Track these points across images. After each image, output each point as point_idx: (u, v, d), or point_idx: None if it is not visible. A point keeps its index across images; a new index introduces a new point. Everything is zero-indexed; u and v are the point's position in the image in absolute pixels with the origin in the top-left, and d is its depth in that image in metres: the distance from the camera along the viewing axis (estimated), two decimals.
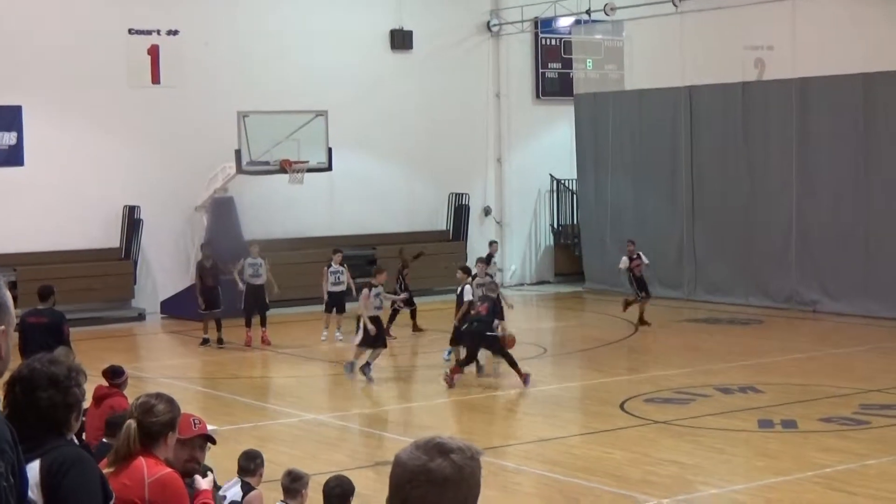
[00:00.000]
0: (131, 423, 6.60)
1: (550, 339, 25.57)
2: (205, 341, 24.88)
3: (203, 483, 7.00)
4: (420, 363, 22.58)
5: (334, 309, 25.22)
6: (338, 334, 25.29)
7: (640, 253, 26.79)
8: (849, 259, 27.60)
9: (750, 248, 29.47)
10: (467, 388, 20.31)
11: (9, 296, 3.62)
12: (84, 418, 12.64)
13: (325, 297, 25.30)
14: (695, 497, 13.17)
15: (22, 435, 4.62)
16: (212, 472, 9.25)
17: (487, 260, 25.93)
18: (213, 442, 7.27)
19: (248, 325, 24.71)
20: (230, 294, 25.23)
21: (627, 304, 26.85)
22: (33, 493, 4.66)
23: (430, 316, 27.09)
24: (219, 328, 24.81)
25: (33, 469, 4.72)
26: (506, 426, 17.60)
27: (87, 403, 13.28)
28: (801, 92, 28.59)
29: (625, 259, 26.71)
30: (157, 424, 6.58)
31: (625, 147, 32.87)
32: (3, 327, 3.58)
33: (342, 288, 25.28)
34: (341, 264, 25.45)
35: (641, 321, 26.40)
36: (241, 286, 24.85)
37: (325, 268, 25.51)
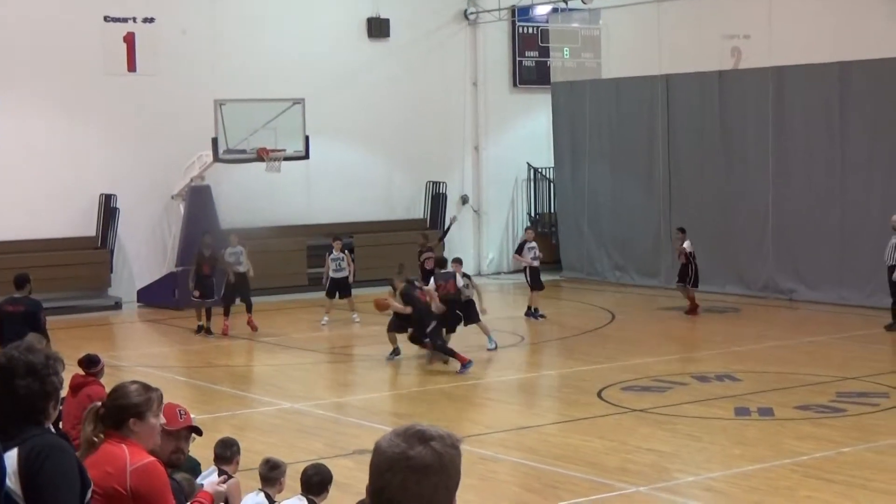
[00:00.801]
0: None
1: (528, 328, 25.58)
2: (200, 328, 24.82)
3: (210, 485, 6.98)
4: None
5: (336, 294, 25.99)
6: (354, 316, 25.89)
7: (686, 242, 26.69)
8: (825, 248, 27.68)
9: (727, 236, 29.54)
10: (442, 376, 20.31)
11: None
12: (61, 407, 12.64)
13: (327, 283, 26.18)
14: (672, 485, 13.21)
15: None
16: (228, 476, 9.26)
17: (519, 250, 27.38)
18: (200, 433, 7.26)
19: (227, 314, 24.70)
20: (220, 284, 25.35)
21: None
22: (11, 481, 4.65)
23: None
24: (208, 318, 24.78)
25: (11, 458, 4.71)
26: (483, 415, 17.62)
27: (64, 392, 13.26)
28: (777, 80, 28.65)
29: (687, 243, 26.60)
30: (118, 408, 6.53)
31: (602, 135, 32.90)
32: None
33: (344, 274, 26.13)
34: (342, 251, 26.33)
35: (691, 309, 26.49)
36: (233, 279, 24.86)
37: (327, 254, 26.39)
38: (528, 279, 26.72)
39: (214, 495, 6.90)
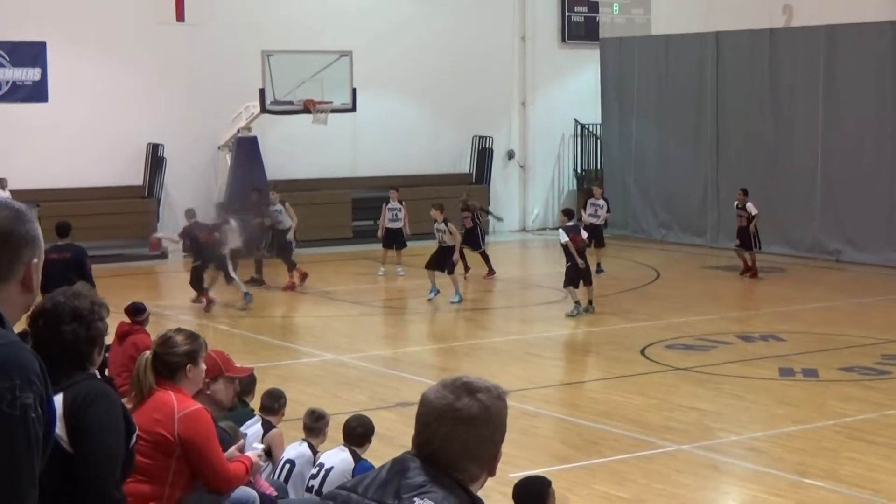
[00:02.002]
0: (145, 354, 6.64)
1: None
2: (253, 280, 24.86)
3: (252, 453, 7.02)
4: (439, 306, 22.56)
5: (394, 245, 26.05)
6: (399, 270, 25.86)
7: (748, 204, 25.66)
8: (873, 209, 27.45)
9: (774, 196, 29.30)
10: (487, 330, 20.33)
11: (39, 230, 3.63)
12: (107, 354, 12.74)
13: (382, 233, 26.30)
14: (715, 443, 13.17)
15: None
16: (271, 426, 9.32)
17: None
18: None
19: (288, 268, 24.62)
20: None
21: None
22: (57, 426, 4.68)
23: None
24: (258, 269, 24.86)
25: (56, 402, 4.74)
26: (526, 370, 17.60)
27: (109, 339, 13.37)
28: (828, 39, 28.33)
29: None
30: (175, 356, 6.63)
31: (650, 92, 32.68)
32: (35, 260, 3.58)
33: (399, 224, 26.10)
34: (399, 201, 26.22)
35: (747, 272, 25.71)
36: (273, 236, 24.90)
37: (384, 204, 26.42)
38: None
39: (254, 466, 6.94)
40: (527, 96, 35.39)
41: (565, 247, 21.29)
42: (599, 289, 24.65)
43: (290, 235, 24.62)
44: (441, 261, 22.68)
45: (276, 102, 28.74)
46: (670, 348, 18.38)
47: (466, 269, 25.41)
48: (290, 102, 28.81)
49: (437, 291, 22.62)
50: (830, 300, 22.90)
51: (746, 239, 25.66)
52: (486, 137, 34.36)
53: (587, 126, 35.71)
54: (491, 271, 25.70)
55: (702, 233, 31.09)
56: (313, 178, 31.53)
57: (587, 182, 35.75)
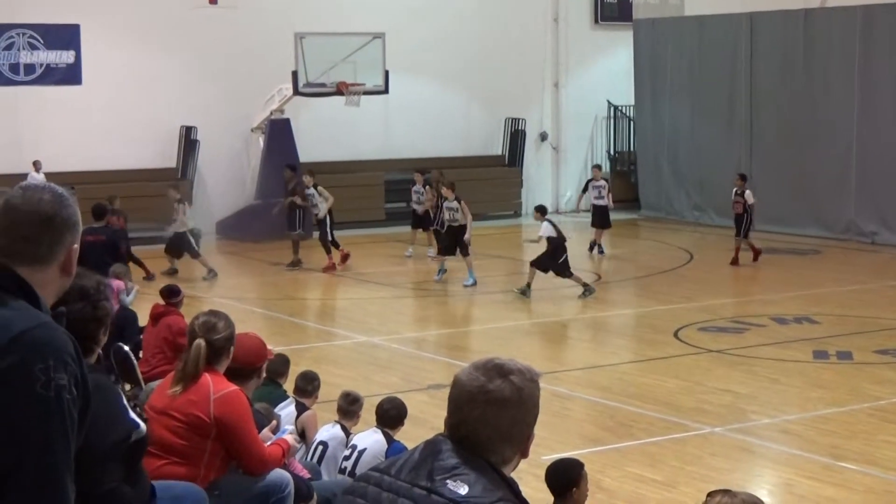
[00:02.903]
0: (201, 342, 6.67)
1: (605, 266, 25.48)
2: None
3: (289, 436, 7.05)
4: (472, 288, 22.56)
5: (421, 227, 26.35)
6: (430, 251, 25.92)
7: (747, 192, 24.88)
8: None
9: (808, 177, 29.17)
10: (519, 312, 20.32)
11: (79, 214, 3.66)
12: (141, 337, 12.81)
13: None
14: (748, 426, 13.13)
15: None
16: (305, 408, 9.35)
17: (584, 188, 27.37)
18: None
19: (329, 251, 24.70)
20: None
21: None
22: None
23: (483, 240, 27.06)
24: (295, 250, 24.93)
25: None
26: (558, 352, 17.59)
27: (143, 322, 13.42)
28: (864, 19, 28.13)
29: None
30: (221, 340, 6.70)
31: (683, 73, 32.54)
32: (75, 245, 3.62)
33: (424, 207, 26.06)
34: (424, 185, 26.19)
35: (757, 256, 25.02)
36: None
37: (411, 186, 26.71)
38: (593, 217, 26.83)
39: (291, 449, 6.97)
40: (559, 78, 35.30)
41: (550, 239, 21.14)
42: (629, 270, 24.61)
43: (321, 215, 24.61)
44: (452, 244, 22.65)
45: (308, 85, 28.77)
46: (704, 331, 18.32)
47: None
48: (323, 85, 28.84)
49: (445, 271, 22.92)
50: (865, 282, 22.77)
51: (739, 225, 24.78)
52: (518, 119, 34.30)
53: (620, 108, 35.60)
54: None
55: None
56: (345, 160, 31.57)
57: (620, 164, 35.71)
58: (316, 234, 25.41)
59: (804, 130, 29.34)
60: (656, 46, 33.32)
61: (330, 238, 24.55)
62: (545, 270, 21.11)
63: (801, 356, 16.46)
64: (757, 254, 25.04)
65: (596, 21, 35.81)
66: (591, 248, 26.56)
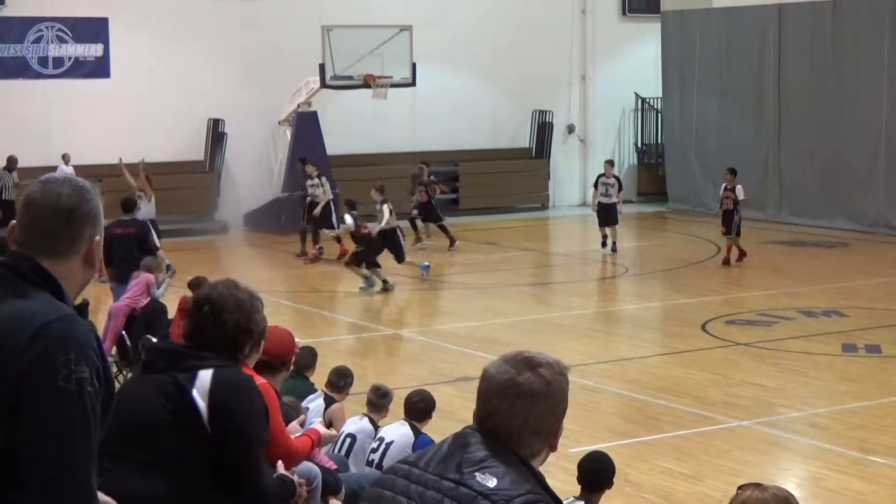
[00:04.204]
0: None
1: (632, 259, 25.42)
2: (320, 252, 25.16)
3: (319, 426, 7.07)
4: (498, 280, 22.56)
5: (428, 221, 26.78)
6: (429, 241, 26.33)
7: (738, 186, 23.67)
8: None
9: (837, 170, 29.04)
10: (547, 305, 20.29)
11: (101, 207, 3.68)
12: (170, 329, 12.84)
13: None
14: (776, 419, 13.09)
15: (200, 351, 4.91)
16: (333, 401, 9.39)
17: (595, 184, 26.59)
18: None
19: (313, 240, 25.03)
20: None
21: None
22: (200, 404, 4.80)
23: (511, 233, 27.06)
24: (315, 241, 25.04)
25: (205, 377, 4.85)
26: (585, 345, 17.57)
27: (172, 313, 13.45)
28: (894, 10, 27.97)
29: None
30: (263, 331, 6.70)
31: (711, 66, 32.42)
32: (97, 238, 3.63)
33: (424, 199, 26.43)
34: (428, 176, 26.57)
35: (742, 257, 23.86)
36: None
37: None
38: (598, 213, 25.68)
39: (322, 440, 6.98)
40: (587, 70, 35.23)
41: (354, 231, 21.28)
42: (657, 263, 24.55)
43: (316, 211, 24.70)
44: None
45: (335, 77, 28.79)
46: (731, 323, 18.27)
47: (418, 239, 26.25)
48: (350, 77, 28.85)
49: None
50: (893, 275, 22.65)
51: (729, 223, 23.40)
52: (545, 111, 34.26)
53: (648, 100, 35.51)
54: (452, 241, 26.09)
55: (763, 207, 30.83)
56: (373, 153, 31.59)
57: (647, 156, 35.63)
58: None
59: (833, 123, 29.19)
60: (684, 38, 33.21)
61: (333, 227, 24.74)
62: (363, 264, 21.17)
63: (830, 349, 16.39)
64: (742, 254, 23.66)
65: (624, 13, 35.73)
66: (603, 245, 25.53)
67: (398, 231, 22.04)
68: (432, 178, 26.99)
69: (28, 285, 3.50)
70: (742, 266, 23.55)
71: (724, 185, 24.19)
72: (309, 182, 25.19)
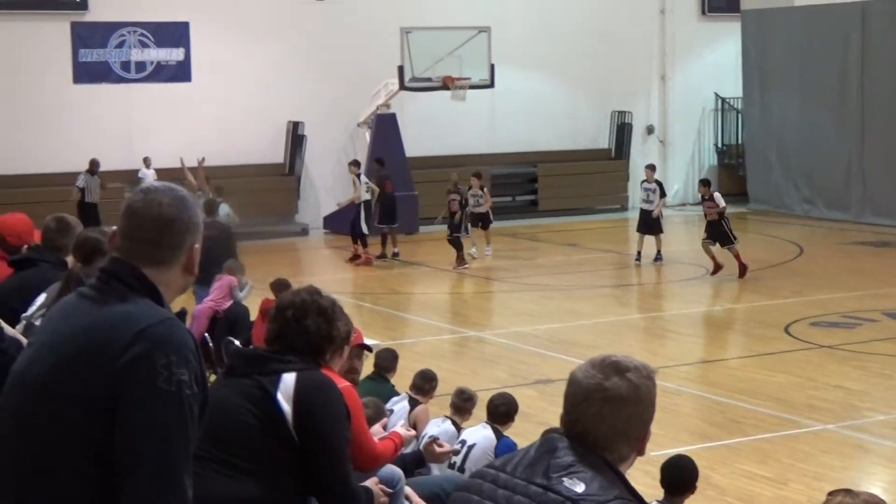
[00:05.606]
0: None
1: (720, 259, 25.18)
2: (381, 255, 25.25)
3: (401, 428, 7.08)
4: (578, 282, 22.48)
5: (479, 225, 25.48)
6: (487, 250, 25.59)
7: (715, 194, 22.44)
8: None
9: None
10: (626, 307, 20.20)
11: (201, 215, 3.75)
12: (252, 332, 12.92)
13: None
14: (862, 423, 12.92)
15: (283, 355, 5.01)
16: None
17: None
18: (370, 350, 7.63)
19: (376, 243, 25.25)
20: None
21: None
22: (285, 407, 4.89)
23: (590, 234, 26.96)
24: (383, 243, 25.17)
25: (289, 379, 4.94)
26: (666, 347, 17.46)
27: (254, 316, 13.53)
28: None
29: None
30: (349, 334, 6.76)
31: (793, 65, 32.10)
32: (197, 245, 3.70)
33: (482, 209, 25.23)
34: (480, 188, 25.39)
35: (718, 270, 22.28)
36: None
37: (467, 189, 25.41)
38: (638, 221, 24.67)
39: (406, 439, 6.98)
40: (666, 70, 35.03)
41: None
42: (690, 269, 24.32)
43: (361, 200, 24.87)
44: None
45: (414, 79, 28.85)
46: (815, 325, 18.08)
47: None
48: (429, 79, 28.90)
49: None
50: None
51: (722, 234, 22.22)
52: (625, 112, 34.11)
53: (728, 100, 35.24)
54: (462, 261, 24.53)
55: (846, 208, 30.50)
56: (451, 154, 31.61)
57: (728, 157, 35.36)
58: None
59: None
60: (765, 37, 32.91)
61: (361, 231, 24.67)
62: None
63: None
64: (743, 270, 22.25)
65: (703, 12, 35.49)
66: (637, 258, 24.12)
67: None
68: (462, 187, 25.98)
69: (129, 291, 3.56)
70: (744, 280, 22.09)
71: (700, 195, 23.20)
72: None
